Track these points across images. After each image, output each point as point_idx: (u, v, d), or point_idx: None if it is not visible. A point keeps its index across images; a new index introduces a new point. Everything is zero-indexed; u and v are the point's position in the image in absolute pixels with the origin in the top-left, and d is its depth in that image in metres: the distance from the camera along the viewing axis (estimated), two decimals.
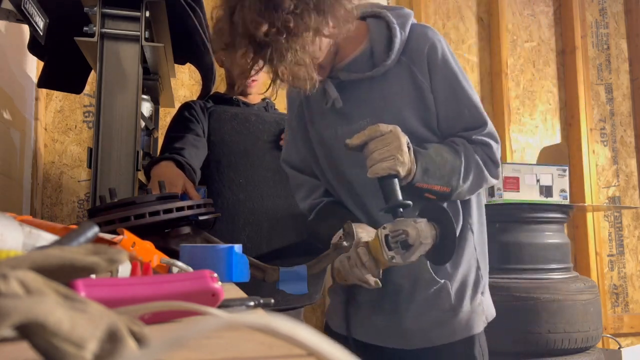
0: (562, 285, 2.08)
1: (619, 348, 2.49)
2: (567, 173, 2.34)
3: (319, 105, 1.15)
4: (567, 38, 3.06)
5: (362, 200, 1.13)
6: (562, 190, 2.31)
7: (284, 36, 0.91)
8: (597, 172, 3.01)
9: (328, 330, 1.25)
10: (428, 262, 1.07)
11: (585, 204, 2.79)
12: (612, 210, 3.00)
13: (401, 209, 0.95)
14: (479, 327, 1.11)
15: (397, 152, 0.95)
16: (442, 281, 1.09)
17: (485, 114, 1.10)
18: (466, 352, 1.10)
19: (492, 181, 1.10)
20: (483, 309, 1.13)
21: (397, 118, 1.05)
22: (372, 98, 1.09)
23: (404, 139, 0.97)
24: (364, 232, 1.01)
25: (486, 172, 1.08)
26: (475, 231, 1.14)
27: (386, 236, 0.93)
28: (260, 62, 0.95)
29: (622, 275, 2.99)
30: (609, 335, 2.69)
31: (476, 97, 1.10)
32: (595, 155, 3.01)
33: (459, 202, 1.11)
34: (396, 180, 0.96)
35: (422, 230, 0.91)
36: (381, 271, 0.97)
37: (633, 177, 3.09)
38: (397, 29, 1.07)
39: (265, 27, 0.90)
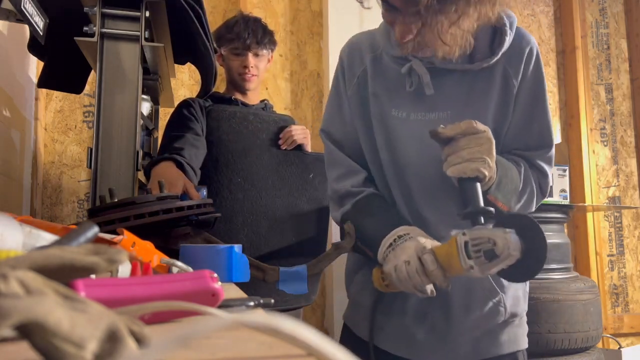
0: (562, 285, 2.08)
1: (619, 348, 2.49)
2: (567, 173, 2.34)
3: (393, 82, 1.04)
4: (567, 38, 3.06)
5: (416, 207, 1.03)
6: (562, 191, 2.31)
7: None
8: (597, 172, 3.01)
9: (347, 333, 1.16)
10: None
11: (586, 204, 2.79)
12: (612, 210, 3.00)
13: (482, 217, 0.86)
14: (524, 343, 1.08)
15: (487, 154, 0.87)
16: (500, 294, 1.03)
17: (553, 135, 1.05)
18: None
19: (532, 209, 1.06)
20: (526, 327, 1.10)
21: (477, 117, 0.96)
22: (459, 91, 1.01)
23: (494, 141, 0.90)
24: (423, 237, 0.91)
25: (534, 202, 1.04)
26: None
27: (466, 243, 0.83)
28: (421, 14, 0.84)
29: (622, 275, 2.99)
30: (609, 335, 2.69)
31: (550, 116, 1.05)
32: (595, 155, 3.01)
33: None
34: (479, 184, 0.88)
35: (511, 242, 0.80)
36: (449, 280, 0.87)
37: (633, 177, 3.09)
38: (508, 28, 1.01)
39: None
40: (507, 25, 1.01)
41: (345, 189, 1.07)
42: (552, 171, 1.06)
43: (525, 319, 1.10)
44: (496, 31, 1.01)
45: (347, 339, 1.16)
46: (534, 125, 1.04)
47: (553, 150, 1.06)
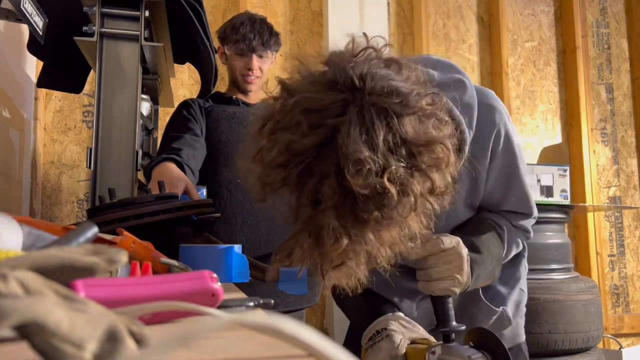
0: (562, 286, 2.08)
1: (619, 348, 2.49)
2: (567, 173, 2.34)
3: None
4: (567, 38, 3.06)
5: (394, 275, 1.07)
6: (563, 191, 2.31)
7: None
8: (597, 172, 3.01)
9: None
10: (480, 292, 1.05)
11: (586, 204, 2.79)
12: (612, 211, 3.00)
13: (454, 335, 0.88)
14: (523, 334, 1.12)
15: (457, 272, 0.86)
16: (500, 309, 1.05)
17: (533, 203, 1.02)
18: (517, 357, 1.10)
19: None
20: (524, 319, 1.13)
21: (449, 210, 0.92)
22: None
23: (465, 254, 0.89)
24: (400, 334, 0.92)
25: (521, 246, 1.05)
26: (525, 254, 1.13)
27: None
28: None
29: (622, 276, 2.98)
30: (609, 336, 2.69)
31: (527, 185, 1.01)
32: (596, 155, 3.01)
33: None
34: (450, 299, 0.89)
35: None
36: None
37: (634, 177, 3.09)
38: (467, 132, 0.88)
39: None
40: (466, 127, 0.89)
41: None
42: (532, 228, 1.06)
43: (524, 310, 1.12)
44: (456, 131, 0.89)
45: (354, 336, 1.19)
46: (510, 197, 1.00)
47: (534, 218, 1.03)
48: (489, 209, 1.02)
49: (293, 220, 0.71)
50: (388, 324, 0.95)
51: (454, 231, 0.96)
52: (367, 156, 0.63)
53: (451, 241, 0.87)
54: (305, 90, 0.69)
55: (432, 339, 0.93)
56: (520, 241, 1.05)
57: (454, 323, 0.88)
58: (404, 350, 0.91)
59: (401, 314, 0.98)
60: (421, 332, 0.95)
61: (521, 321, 1.12)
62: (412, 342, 0.92)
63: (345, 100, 0.66)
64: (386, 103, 0.66)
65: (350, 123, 0.64)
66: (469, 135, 0.89)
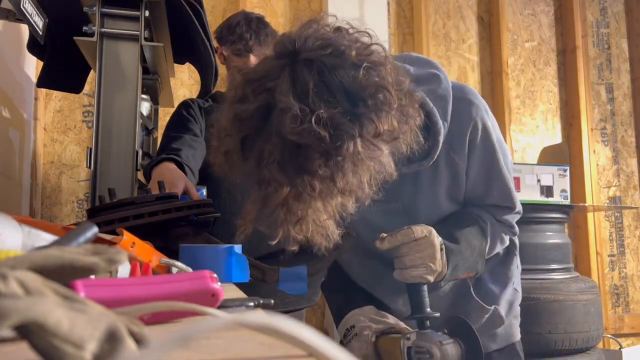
0: (562, 286, 2.08)
1: (619, 348, 2.49)
2: (567, 173, 2.34)
3: None
4: (567, 37, 3.06)
5: (380, 271, 1.08)
6: (563, 190, 2.31)
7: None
8: (597, 172, 3.01)
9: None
10: (472, 290, 1.06)
11: (586, 204, 2.79)
12: (612, 210, 3.00)
13: (428, 322, 0.90)
14: (518, 334, 1.12)
15: (429, 260, 0.88)
16: (492, 307, 1.05)
17: (515, 197, 1.02)
18: (511, 357, 1.11)
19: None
20: (519, 318, 1.14)
21: (430, 202, 0.99)
22: (404, 186, 0.96)
23: (438, 243, 0.90)
24: (367, 330, 0.94)
25: (506, 241, 1.07)
26: (517, 253, 1.13)
27: (409, 348, 0.88)
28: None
29: (622, 276, 2.98)
30: (609, 336, 2.68)
31: (509, 178, 1.01)
32: (596, 155, 3.01)
33: None
34: (425, 286, 0.91)
35: (447, 355, 0.85)
36: None
37: (634, 177, 3.09)
38: (440, 123, 0.90)
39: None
40: (439, 119, 0.91)
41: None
42: (517, 227, 1.07)
43: (518, 310, 1.13)
44: (429, 125, 0.90)
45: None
46: (492, 190, 1.01)
47: (518, 212, 1.04)
48: (474, 204, 1.04)
49: (248, 184, 0.77)
50: (357, 320, 0.97)
51: (438, 224, 0.97)
52: (295, 105, 0.68)
53: (423, 230, 0.89)
54: (253, 67, 0.77)
55: (403, 325, 0.94)
56: (505, 237, 1.06)
57: (429, 310, 0.90)
58: (373, 339, 0.93)
59: (368, 308, 0.99)
60: (391, 321, 0.95)
61: (515, 321, 1.12)
62: (386, 332, 0.93)
63: (283, 64, 0.72)
64: (317, 55, 0.71)
65: (283, 81, 0.70)
66: (442, 127, 0.91)
